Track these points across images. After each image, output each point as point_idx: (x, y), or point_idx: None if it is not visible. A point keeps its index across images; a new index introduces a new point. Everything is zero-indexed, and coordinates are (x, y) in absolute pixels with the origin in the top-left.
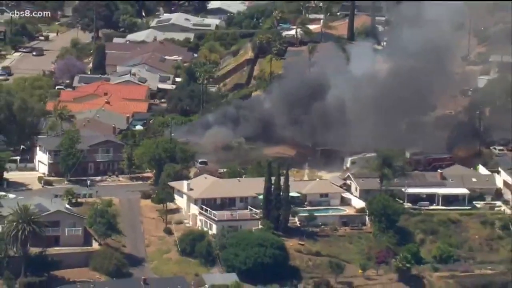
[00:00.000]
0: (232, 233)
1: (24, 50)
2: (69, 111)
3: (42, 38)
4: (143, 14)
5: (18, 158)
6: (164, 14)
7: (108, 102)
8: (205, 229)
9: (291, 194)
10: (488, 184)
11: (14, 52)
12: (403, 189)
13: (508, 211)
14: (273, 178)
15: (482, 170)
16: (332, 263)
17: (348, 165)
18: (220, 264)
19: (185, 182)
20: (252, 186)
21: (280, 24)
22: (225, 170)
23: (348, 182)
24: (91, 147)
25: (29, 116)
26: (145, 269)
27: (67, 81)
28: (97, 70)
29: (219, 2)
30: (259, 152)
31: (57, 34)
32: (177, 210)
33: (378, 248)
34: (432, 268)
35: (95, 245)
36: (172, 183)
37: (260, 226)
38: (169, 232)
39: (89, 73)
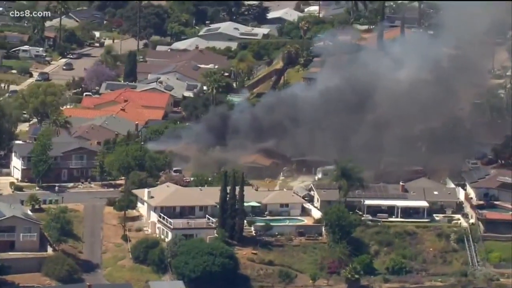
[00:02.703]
0: (183, 241)
1: (71, 56)
2: (66, 117)
3: (97, 44)
4: (193, 22)
5: None
6: (215, 23)
7: (123, 109)
8: (162, 236)
9: (250, 203)
10: (449, 197)
11: (60, 59)
12: (362, 201)
13: (464, 224)
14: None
15: (448, 183)
16: (282, 272)
17: (320, 176)
18: (171, 272)
19: (146, 190)
20: (213, 195)
21: (318, 35)
22: (192, 178)
23: (311, 192)
24: (65, 153)
25: (7, 122)
26: (98, 276)
27: (97, 88)
28: (129, 78)
29: (282, 11)
30: (235, 160)
31: (113, 41)
32: (138, 217)
33: (331, 259)
34: (383, 279)
35: (50, 251)
36: (136, 191)
37: (215, 235)
38: (127, 239)
39: (122, 80)
